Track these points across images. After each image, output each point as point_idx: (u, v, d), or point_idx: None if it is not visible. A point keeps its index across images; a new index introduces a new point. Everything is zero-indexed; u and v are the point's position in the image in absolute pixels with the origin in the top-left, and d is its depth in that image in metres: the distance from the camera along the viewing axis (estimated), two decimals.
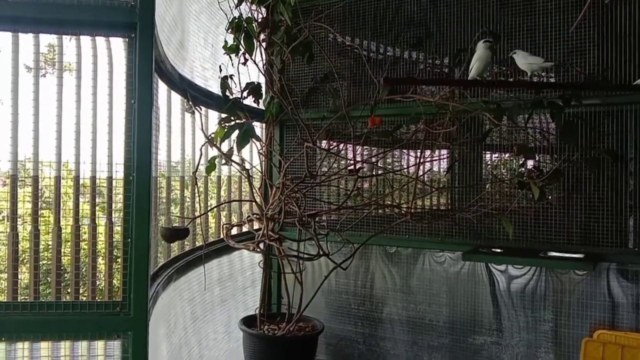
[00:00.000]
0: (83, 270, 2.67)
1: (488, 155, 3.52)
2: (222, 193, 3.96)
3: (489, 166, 3.53)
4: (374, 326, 3.74)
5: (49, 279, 2.62)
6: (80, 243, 2.60)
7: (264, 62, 3.36)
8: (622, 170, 3.00)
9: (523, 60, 2.82)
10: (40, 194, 2.58)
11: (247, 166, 3.36)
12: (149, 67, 2.37)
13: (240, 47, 3.17)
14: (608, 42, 2.99)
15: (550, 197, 3.14)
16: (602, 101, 3.02)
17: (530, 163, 3.04)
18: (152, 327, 2.48)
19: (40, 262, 2.54)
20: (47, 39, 2.53)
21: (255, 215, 3.41)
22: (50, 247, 2.58)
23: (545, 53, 3.11)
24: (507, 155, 3.45)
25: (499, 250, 3.21)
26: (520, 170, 3.07)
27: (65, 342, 2.41)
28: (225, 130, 3.03)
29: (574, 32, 3.00)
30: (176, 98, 3.17)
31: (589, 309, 3.09)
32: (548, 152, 3.20)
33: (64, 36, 2.47)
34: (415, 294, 3.61)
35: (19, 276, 2.50)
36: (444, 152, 3.52)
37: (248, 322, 3.35)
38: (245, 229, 3.80)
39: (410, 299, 3.63)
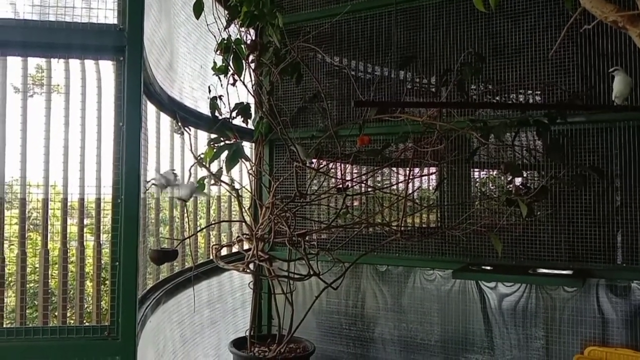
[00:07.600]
0: (71, 293, 2.64)
1: (476, 173, 3.55)
2: (212, 213, 3.94)
3: (477, 183, 3.55)
4: (366, 346, 3.72)
5: (35, 302, 2.58)
6: (68, 265, 2.57)
7: (253, 82, 3.38)
8: (608, 187, 3.03)
9: None
10: (27, 216, 2.55)
11: (237, 186, 3.36)
12: (137, 89, 2.38)
13: (229, 68, 3.19)
14: (591, 61, 3.04)
15: (538, 214, 3.16)
16: (587, 119, 3.06)
17: (517, 180, 3.06)
18: (141, 350, 2.45)
19: (27, 286, 2.51)
20: (36, 60, 2.54)
21: (245, 236, 3.40)
22: (37, 270, 2.55)
23: (530, 72, 3.17)
24: (494, 172, 3.48)
25: (488, 268, 3.22)
26: (508, 187, 3.09)
27: None
28: (215, 150, 3.03)
29: (558, 51, 3.06)
30: (165, 119, 3.17)
31: (580, 325, 3.09)
32: (535, 169, 3.24)
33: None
34: (407, 312, 3.60)
35: (5, 300, 2.47)
36: (433, 169, 3.54)
37: (238, 344, 3.31)
38: (235, 249, 3.78)
39: (401, 318, 3.61)
